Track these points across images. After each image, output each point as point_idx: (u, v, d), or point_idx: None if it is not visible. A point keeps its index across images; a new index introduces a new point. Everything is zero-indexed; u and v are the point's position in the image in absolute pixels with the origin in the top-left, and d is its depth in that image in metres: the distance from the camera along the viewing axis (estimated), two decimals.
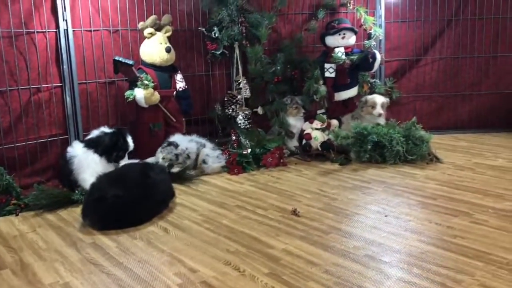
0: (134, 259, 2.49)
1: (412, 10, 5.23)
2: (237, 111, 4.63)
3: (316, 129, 4.48)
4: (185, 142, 4.09)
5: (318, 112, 4.69)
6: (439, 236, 2.60)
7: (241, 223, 2.94)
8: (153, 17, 4.17)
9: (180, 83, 4.37)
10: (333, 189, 3.56)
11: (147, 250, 2.61)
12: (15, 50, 3.66)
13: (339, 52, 4.65)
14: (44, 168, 3.90)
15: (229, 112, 4.66)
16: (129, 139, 3.70)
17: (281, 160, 4.28)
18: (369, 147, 4.12)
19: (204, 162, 4.12)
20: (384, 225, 2.81)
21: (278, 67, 4.71)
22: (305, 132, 4.51)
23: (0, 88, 3.63)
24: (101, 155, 3.55)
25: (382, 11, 5.18)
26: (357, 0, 5.09)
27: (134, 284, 2.23)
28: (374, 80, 5.14)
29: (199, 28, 4.63)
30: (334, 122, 4.58)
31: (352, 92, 4.86)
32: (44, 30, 3.81)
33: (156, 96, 4.11)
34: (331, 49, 4.72)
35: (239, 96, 4.65)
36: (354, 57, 4.67)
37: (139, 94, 4.00)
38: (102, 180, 3.13)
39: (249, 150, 4.22)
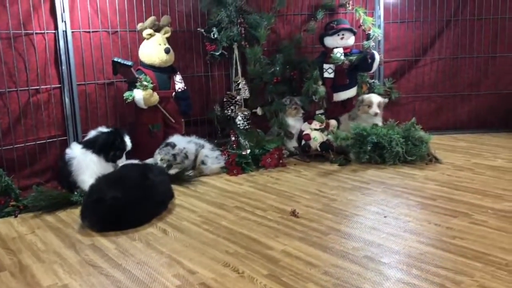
0: (133, 261, 2.49)
1: (411, 10, 5.23)
2: (236, 111, 4.63)
3: (315, 129, 4.48)
4: (184, 143, 4.09)
5: (317, 112, 4.70)
6: (438, 237, 2.60)
7: (240, 224, 2.94)
8: (152, 18, 4.17)
9: (179, 84, 4.37)
10: (332, 189, 3.55)
11: (146, 251, 2.61)
12: (14, 51, 3.65)
13: (338, 53, 4.65)
14: (43, 170, 3.89)
15: (228, 113, 4.66)
16: (127, 139, 3.70)
17: (280, 161, 4.28)
18: (369, 148, 4.12)
19: (203, 163, 4.11)
20: (383, 226, 2.81)
21: (277, 68, 4.70)
22: (304, 132, 4.51)
23: None
24: (98, 153, 3.55)
25: (381, 12, 5.18)
26: (356, 0, 5.09)
27: (133, 286, 2.22)
28: (373, 80, 5.13)
29: (198, 29, 4.63)
30: (333, 122, 4.58)
31: (351, 92, 4.86)
32: (43, 32, 3.80)
33: (155, 97, 4.11)
34: (330, 50, 4.72)
35: (238, 97, 4.65)
36: (353, 57, 4.67)
37: (138, 95, 4.00)
38: (101, 181, 3.13)
39: (248, 151, 4.21)
